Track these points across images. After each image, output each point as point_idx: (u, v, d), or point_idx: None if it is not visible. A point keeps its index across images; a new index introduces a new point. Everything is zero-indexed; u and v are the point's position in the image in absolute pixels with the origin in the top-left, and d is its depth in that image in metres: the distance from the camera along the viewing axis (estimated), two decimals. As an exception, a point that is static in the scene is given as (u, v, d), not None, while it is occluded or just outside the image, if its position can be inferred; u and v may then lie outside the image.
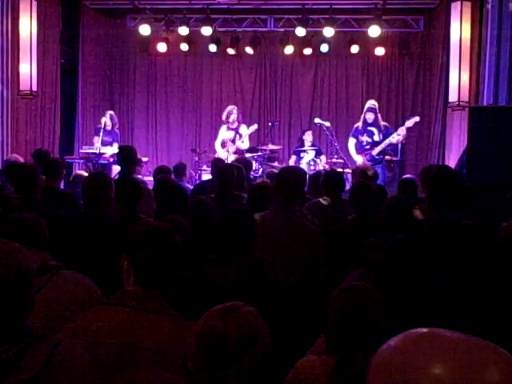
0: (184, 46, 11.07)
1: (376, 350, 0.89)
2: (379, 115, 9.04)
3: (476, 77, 8.38)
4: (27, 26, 8.48)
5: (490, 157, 6.09)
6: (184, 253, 2.36)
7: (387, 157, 8.86)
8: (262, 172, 8.91)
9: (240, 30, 11.08)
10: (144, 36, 10.98)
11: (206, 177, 8.66)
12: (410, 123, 8.72)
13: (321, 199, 4.64)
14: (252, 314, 1.57)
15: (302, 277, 3.20)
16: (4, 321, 1.48)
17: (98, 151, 8.63)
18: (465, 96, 8.60)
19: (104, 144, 8.98)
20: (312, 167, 9.14)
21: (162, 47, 11.12)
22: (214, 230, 2.75)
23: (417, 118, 8.82)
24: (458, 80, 8.64)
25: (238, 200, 4.73)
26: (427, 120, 10.45)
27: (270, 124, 10.48)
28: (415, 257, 2.49)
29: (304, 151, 9.61)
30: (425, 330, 0.85)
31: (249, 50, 11.19)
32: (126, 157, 5.16)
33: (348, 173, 8.07)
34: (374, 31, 10.01)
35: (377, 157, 8.74)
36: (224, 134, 9.63)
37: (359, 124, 9.09)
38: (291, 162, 9.77)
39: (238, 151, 9.49)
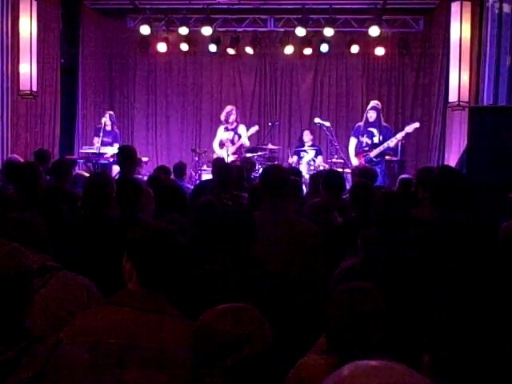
0: (184, 46, 11.08)
1: (376, 350, 0.90)
2: (381, 116, 9.05)
3: (476, 77, 8.38)
4: (27, 25, 8.48)
5: (489, 157, 6.09)
6: (185, 253, 2.36)
7: (387, 157, 8.86)
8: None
9: (240, 29, 11.08)
10: (144, 36, 10.99)
11: (206, 177, 8.66)
12: (409, 129, 8.72)
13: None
14: (251, 317, 1.57)
15: (299, 275, 3.19)
16: (4, 321, 1.48)
17: (97, 151, 8.63)
18: (465, 96, 8.60)
19: (104, 144, 8.98)
20: (312, 167, 9.14)
21: (161, 47, 11.12)
22: (215, 230, 2.75)
23: (417, 124, 8.81)
24: (458, 80, 8.63)
25: (238, 200, 4.74)
26: (427, 120, 10.45)
27: (270, 124, 10.48)
28: (416, 257, 2.49)
29: (304, 151, 9.61)
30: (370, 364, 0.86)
31: (249, 50, 11.19)
32: (126, 157, 5.16)
33: (348, 173, 8.07)
34: (374, 31, 10.01)
35: (375, 159, 8.73)
36: (222, 134, 9.63)
37: (361, 123, 9.10)
38: (290, 160, 9.77)
39: (238, 151, 9.51)
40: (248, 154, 9.27)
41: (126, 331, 1.87)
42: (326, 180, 4.82)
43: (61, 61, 10.01)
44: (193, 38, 11.12)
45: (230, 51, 11.16)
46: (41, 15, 9.01)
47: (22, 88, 8.51)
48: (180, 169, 7.30)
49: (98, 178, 3.82)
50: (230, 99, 11.35)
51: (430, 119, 10.36)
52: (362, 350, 1.83)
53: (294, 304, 2.61)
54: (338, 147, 9.19)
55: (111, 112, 9.80)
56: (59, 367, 1.46)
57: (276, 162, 9.78)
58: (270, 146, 9.77)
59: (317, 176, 5.56)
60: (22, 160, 6.12)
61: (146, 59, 11.73)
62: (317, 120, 9.60)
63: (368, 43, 10.75)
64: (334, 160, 9.01)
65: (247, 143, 9.59)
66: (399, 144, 8.92)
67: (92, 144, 9.21)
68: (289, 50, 10.94)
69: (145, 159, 9.04)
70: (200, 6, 10.38)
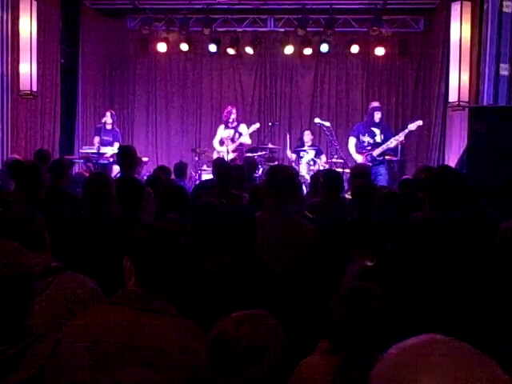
0: (184, 46, 11.08)
1: (379, 350, 0.90)
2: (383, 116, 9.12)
3: (476, 77, 8.38)
4: (27, 25, 8.47)
5: (489, 157, 6.09)
6: (184, 253, 2.36)
7: (387, 157, 8.87)
8: (262, 172, 8.91)
9: (240, 30, 11.09)
10: (144, 36, 10.99)
11: (206, 177, 8.66)
12: (412, 126, 8.72)
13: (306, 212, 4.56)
14: (268, 324, 1.52)
15: (299, 275, 3.20)
16: (4, 320, 1.48)
17: (98, 151, 8.63)
18: (465, 96, 8.60)
19: (105, 143, 8.99)
20: (312, 167, 9.14)
21: (161, 47, 11.12)
22: (216, 230, 2.75)
23: (420, 122, 8.81)
24: (458, 80, 8.63)
25: (238, 200, 4.74)
26: (427, 120, 10.43)
27: (270, 124, 10.49)
28: (416, 257, 2.49)
29: (304, 151, 9.62)
30: (422, 339, 0.87)
31: (249, 50, 11.19)
32: (126, 157, 5.16)
33: (348, 173, 8.06)
34: (374, 31, 10.01)
35: (378, 158, 8.75)
36: (222, 132, 9.69)
37: (361, 123, 9.10)
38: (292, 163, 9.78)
39: (237, 149, 9.53)
40: (248, 154, 9.28)
41: (126, 331, 1.87)
42: (325, 180, 4.83)
43: (61, 61, 10.01)
44: (193, 38, 11.13)
45: (230, 51, 11.17)
46: (41, 15, 9.00)
47: (22, 88, 8.51)
48: (181, 169, 7.31)
49: (98, 177, 3.82)
50: (230, 99, 11.35)
51: (430, 119, 10.36)
52: (365, 351, 1.83)
53: (294, 304, 2.61)
54: (338, 147, 9.20)
55: (112, 111, 9.81)
56: (59, 366, 1.46)
57: (276, 162, 9.80)
58: (270, 146, 9.78)
59: (317, 176, 5.56)
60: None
61: (146, 59, 11.73)
62: (317, 120, 9.60)
63: (368, 43, 10.76)
64: (334, 160, 9.01)
65: (248, 141, 9.62)
66: (399, 144, 8.92)
67: (92, 144, 9.21)
68: (289, 50, 10.95)
69: (145, 159, 9.04)
70: (200, 6, 10.39)
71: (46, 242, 2.40)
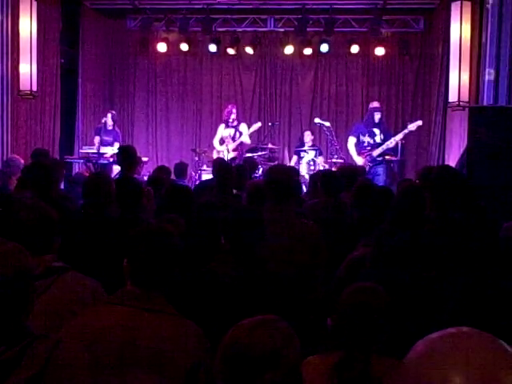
0: (184, 46, 11.08)
1: (378, 350, 0.91)
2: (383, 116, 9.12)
3: (476, 77, 8.38)
4: (27, 25, 8.47)
5: (489, 157, 6.09)
6: (183, 253, 2.36)
7: (387, 157, 8.86)
8: (262, 172, 8.91)
9: (240, 30, 11.08)
10: (144, 36, 10.98)
11: (206, 177, 8.66)
12: (412, 127, 8.73)
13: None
14: (282, 330, 1.49)
15: (300, 275, 3.20)
16: (3, 320, 1.47)
17: (97, 151, 8.62)
18: (465, 96, 8.59)
19: (105, 143, 8.98)
20: (312, 167, 9.14)
21: (161, 47, 11.12)
22: (223, 228, 2.75)
23: (419, 123, 8.82)
24: (458, 80, 8.63)
25: (238, 200, 4.74)
26: (427, 120, 10.43)
27: (270, 124, 10.49)
28: (416, 256, 2.49)
29: (304, 151, 9.62)
30: (450, 331, 0.87)
31: (249, 50, 11.19)
32: (126, 157, 5.16)
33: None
34: (374, 31, 10.00)
35: (378, 158, 8.75)
36: (223, 131, 9.69)
37: (361, 123, 9.10)
38: (292, 163, 9.78)
39: (238, 148, 9.54)
40: (248, 154, 9.28)
41: (125, 331, 1.87)
42: (324, 180, 4.83)
43: (61, 61, 10.00)
44: (193, 38, 11.13)
45: (230, 51, 11.16)
46: (41, 15, 9.00)
47: (22, 88, 8.50)
48: (181, 169, 7.31)
49: (98, 177, 3.82)
50: (230, 99, 11.35)
51: (430, 119, 10.35)
52: (364, 350, 1.83)
53: (294, 303, 2.61)
54: (338, 147, 9.20)
55: (113, 111, 9.81)
56: (59, 367, 1.46)
57: (276, 162, 9.80)
58: (270, 146, 9.78)
59: (316, 176, 5.56)
60: (22, 160, 6.10)
61: (146, 59, 11.73)
62: (317, 120, 9.60)
63: (368, 43, 10.76)
64: (334, 160, 9.02)
65: (248, 141, 9.62)
66: (399, 144, 8.92)
67: (92, 144, 9.20)
68: (289, 50, 10.95)
69: (145, 159, 9.04)
70: (200, 6, 10.38)
71: (55, 242, 2.37)
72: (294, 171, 6.21)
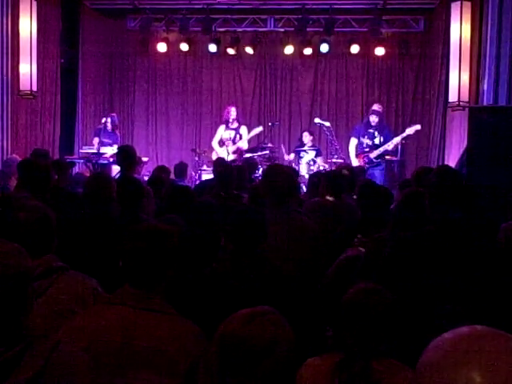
0: (184, 46, 11.08)
1: (379, 350, 0.91)
2: (383, 118, 9.09)
3: (476, 77, 8.38)
4: (27, 25, 8.48)
5: (489, 157, 6.09)
6: (181, 253, 2.35)
7: (387, 157, 8.87)
8: (262, 172, 8.90)
9: (240, 30, 11.09)
10: (144, 36, 10.98)
11: (206, 177, 8.66)
12: (410, 131, 8.72)
13: None
14: (276, 321, 1.52)
15: (300, 273, 3.20)
16: (3, 321, 1.47)
17: (97, 151, 8.61)
18: (465, 96, 8.60)
19: (104, 145, 8.96)
20: (312, 167, 9.14)
21: (161, 47, 11.13)
22: (226, 229, 2.75)
23: (418, 127, 8.81)
24: (458, 80, 8.63)
25: (238, 200, 4.73)
26: (427, 120, 10.45)
27: (270, 124, 10.48)
28: (416, 256, 2.49)
29: (304, 151, 9.61)
30: (465, 331, 0.87)
31: (249, 50, 11.19)
32: (126, 157, 5.16)
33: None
34: (374, 31, 10.01)
35: (375, 160, 8.76)
36: (223, 133, 9.66)
37: (361, 125, 9.10)
38: (291, 157, 9.77)
39: (237, 151, 9.51)
40: (248, 154, 9.27)
41: (124, 330, 1.87)
42: (328, 180, 4.82)
43: (61, 61, 10.01)
44: (193, 38, 11.13)
45: (230, 51, 11.16)
46: (41, 15, 9.01)
47: (22, 88, 8.51)
48: (181, 169, 7.32)
49: (98, 177, 3.83)
50: (230, 99, 11.35)
51: (430, 119, 10.36)
52: (365, 350, 1.83)
53: (299, 303, 2.61)
54: (337, 147, 9.20)
55: (114, 114, 9.76)
56: (59, 367, 1.46)
57: (276, 162, 9.79)
58: (270, 146, 9.77)
59: (316, 176, 5.55)
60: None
61: (146, 59, 11.73)
62: (317, 120, 9.60)
63: (368, 43, 10.75)
64: (334, 160, 9.02)
65: (245, 146, 9.54)
66: (399, 144, 8.92)
67: (92, 144, 9.20)
68: (289, 50, 10.95)
69: (145, 159, 9.03)
70: (200, 6, 10.39)
71: (54, 242, 2.37)
72: (293, 171, 6.22)
